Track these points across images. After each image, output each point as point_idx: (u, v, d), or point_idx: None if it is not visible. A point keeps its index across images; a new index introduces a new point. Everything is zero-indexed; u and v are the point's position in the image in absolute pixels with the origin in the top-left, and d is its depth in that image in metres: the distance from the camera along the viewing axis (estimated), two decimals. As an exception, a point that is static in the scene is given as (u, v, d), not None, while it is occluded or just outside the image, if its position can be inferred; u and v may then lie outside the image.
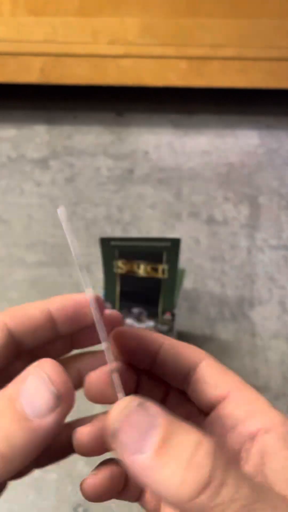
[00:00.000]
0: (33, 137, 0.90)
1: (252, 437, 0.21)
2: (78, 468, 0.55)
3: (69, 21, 0.79)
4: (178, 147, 0.89)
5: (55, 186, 0.83)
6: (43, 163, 0.86)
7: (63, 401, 0.18)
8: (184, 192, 0.83)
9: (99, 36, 0.80)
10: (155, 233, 0.78)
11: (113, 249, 0.54)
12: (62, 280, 0.72)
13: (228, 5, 0.77)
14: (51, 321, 0.23)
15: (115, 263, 0.55)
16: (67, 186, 0.83)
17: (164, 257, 0.52)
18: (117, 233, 0.78)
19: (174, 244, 0.52)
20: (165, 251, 0.52)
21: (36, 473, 0.57)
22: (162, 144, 0.90)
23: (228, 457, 0.17)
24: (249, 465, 0.20)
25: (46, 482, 0.55)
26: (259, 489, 0.17)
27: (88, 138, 0.90)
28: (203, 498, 0.16)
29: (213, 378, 0.22)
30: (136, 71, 0.83)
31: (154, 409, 0.17)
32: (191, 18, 0.78)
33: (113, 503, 0.53)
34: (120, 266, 0.55)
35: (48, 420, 0.18)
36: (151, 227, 0.79)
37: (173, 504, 0.17)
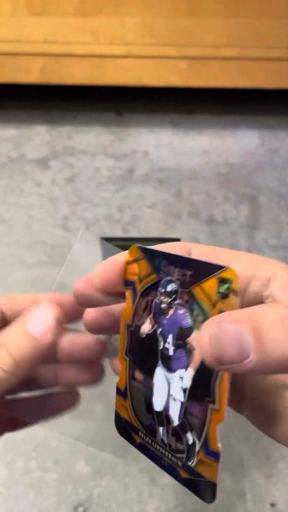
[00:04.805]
0: (33, 137, 0.90)
1: (267, 285, 0.22)
2: (78, 468, 0.55)
3: (69, 22, 0.79)
4: (178, 147, 0.90)
5: (55, 186, 0.83)
6: (43, 163, 0.86)
7: (60, 326, 0.25)
8: (184, 192, 0.83)
9: (99, 36, 0.80)
10: (155, 233, 0.78)
11: (113, 249, 0.54)
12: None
13: (228, 5, 0.77)
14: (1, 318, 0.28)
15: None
16: (67, 186, 0.83)
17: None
18: (117, 233, 0.78)
19: (174, 244, 0.52)
20: (165, 251, 0.52)
21: (37, 473, 0.57)
22: (162, 144, 0.90)
23: None
24: None
25: (46, 482, 0.55)
26: None
27: (88, 138, 0.90)
28: None
29: (209, 258, 0.24)
30: (136, 71, 0.83)
31: (230, 318, 0.19)
32: (191, 18, 0.78)
33: (113, 503, 0.53)
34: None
35: (48, 338, 0.24)
36: (151, 227, 0.79)
37: None
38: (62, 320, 0.25)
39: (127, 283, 0.26)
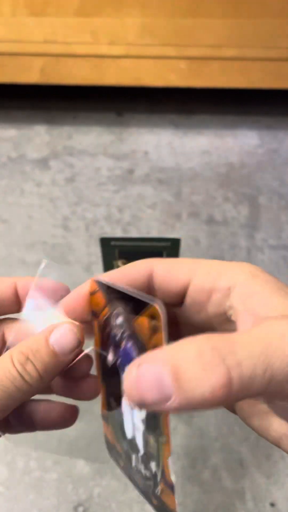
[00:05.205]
0: (33, 137, 0.90)
1: (228, 295, 0.22)
2: (78, 468, 0.55)
3: (69, 22, 0.79)
4: (178, 147, 0.90)
5: (55, 186, 0.83)
6: (43, 163, 0.87)
7: (80, 346, 0.26)
8: (184, 192, 0.83)
9: (99, 36, 0.80)
10: (155, 233, 0.78)
11: (113, 249, 0.54)
12: (62, 280, 0.72)
13: (228, 6, 0.77)
14: (16, 295, 0.29)
15: (115, 263, 0.55)
16: (67, 186, 0.83)
17: (164, 257, 0.52)
18: (117, 233, 0.78)
19: (174, 244, 0.52)
20: (165, 251, 0.52)
21: (37, 473, 0.57)
22: (162, 144, 0.90)
23: (221, 336, 0.19)
24: (241, 318, 0.22)
25: (46, 482, 0.55)
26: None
27: (88, 138, 0.91)
28: (236, 383, 0.18)
29: (171, 274, 0.24)
30: (136, 71, 0.83)
31: (150, 359, 0.19)
32: (191, 18, 0.78)
33: (113, 503, 0.53)
34: (120, 266, 0.55)
35: (69, 357, 0.26)
36: (151, 227, 0.79)
37: (222, 406, 0.19)
38: (83, 342, 0.26)
39: (93, 313, 0.26)
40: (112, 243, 0.53)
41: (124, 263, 0.54)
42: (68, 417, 0.29)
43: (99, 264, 0.71)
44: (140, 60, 0.81)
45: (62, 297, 0.28)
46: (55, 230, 0.78)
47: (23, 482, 0.55)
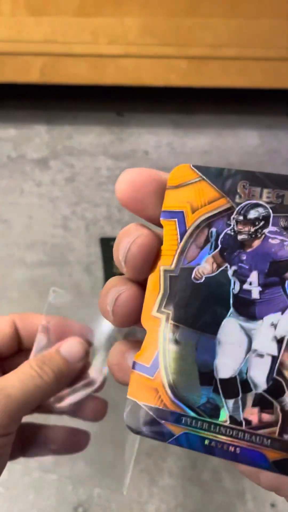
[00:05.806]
0: (33, 137, 0.90)
1: None
2: (78, 468, 0.55)
3: (69, 21, 0.79)
4: (178, 147, 0.89)
5: (55, 186, 0.83)
6: (43, 163, 0.86)
7: (87, 356, 0.32)
8: (184, 192, 0.83)
9: (99, 36, 0.80)
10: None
11: (113, 249, 0.54)
12: (62, 280, 0.72)
13: (229, 5, 0.77)
14: (15, 334, 0.33)
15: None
16: (67, 186, 0.83)
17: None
18: (117, 233, 0.78)
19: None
20: (165, 251, 0.52)
21: (36, 473, 0.57)
22: (162, 144, 0.90)
23: None
24: None
25: (46, 482, 0.55)
26: None
27: (88, 138, 0.90)
28: None
29: None
30: (136, 71, 0.83)
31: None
32: (191, 18, 0.78)
33: (113, 503, 0.53)
34: (120, 266, 0.55)
35: (78, 365, 0.31)
36: (151, 227, 0.79)
37: None
38: (88, 352, 0.32)
39: (167, 214, 0.21)
40: (112, 243, 0.53)
41: (124, 263, 0.54)
42: (80, 442, 0.32)
43: (99, 264, 0.71)
44: (140, 59, 0.81)
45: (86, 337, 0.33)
46: (55, 230, 0.78)
47: (22, 483, 0.55)
